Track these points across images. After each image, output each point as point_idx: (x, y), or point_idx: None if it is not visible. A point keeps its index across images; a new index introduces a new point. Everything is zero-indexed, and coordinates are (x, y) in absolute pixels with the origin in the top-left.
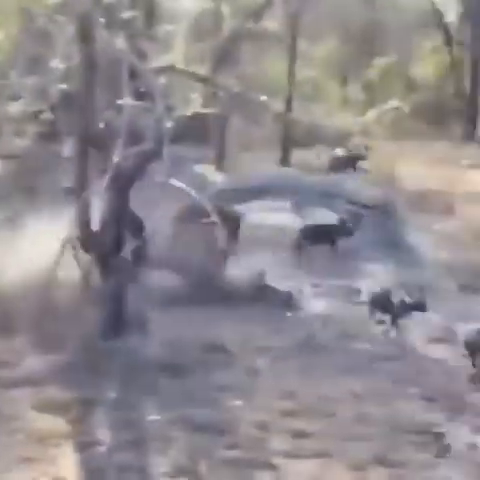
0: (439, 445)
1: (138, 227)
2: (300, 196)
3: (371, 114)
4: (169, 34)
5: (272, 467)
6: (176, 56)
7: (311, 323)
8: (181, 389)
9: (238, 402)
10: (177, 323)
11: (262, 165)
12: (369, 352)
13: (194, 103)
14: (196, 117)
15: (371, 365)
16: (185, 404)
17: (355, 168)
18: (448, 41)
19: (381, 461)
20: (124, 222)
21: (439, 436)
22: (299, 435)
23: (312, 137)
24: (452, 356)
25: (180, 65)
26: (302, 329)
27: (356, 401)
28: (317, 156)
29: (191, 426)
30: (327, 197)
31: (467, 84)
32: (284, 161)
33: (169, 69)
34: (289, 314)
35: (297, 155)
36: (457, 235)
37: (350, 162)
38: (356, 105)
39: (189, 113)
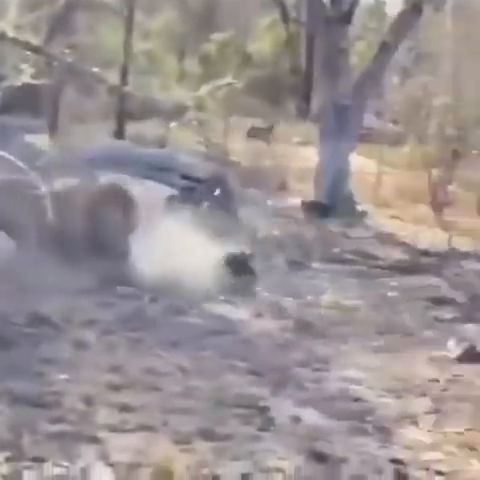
0: (263, 418)
1: None
2: (134, 168)
3: (204, 89)
4: (0, 1)
5: (97, 441)
6: (7, 24)
7: (141, 296)
8: (5, 362)
9: (64, 375)
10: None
11: (96, 137)
12: (198, 326)
13: (25, 73)
14: (28, 87)
15: (199, 339)
16: (9, 377)
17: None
18: (285, 18)
19: (206, 434)
20: None
21: (263, 410)
22: (125, 409)
23: (147, 110)
24: (278, 331)
25: (11, 33)
26: (132, 303)
27: (183, 375)
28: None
29: (15, 399)
30: (161, 170)
31: (303, 61)
32: (119, 133)
33: None
34: (119, 287)
35: (132, 128)
36: (289, 211)
37: (267, 132)
38: (193, 79)
39: (19, 83)
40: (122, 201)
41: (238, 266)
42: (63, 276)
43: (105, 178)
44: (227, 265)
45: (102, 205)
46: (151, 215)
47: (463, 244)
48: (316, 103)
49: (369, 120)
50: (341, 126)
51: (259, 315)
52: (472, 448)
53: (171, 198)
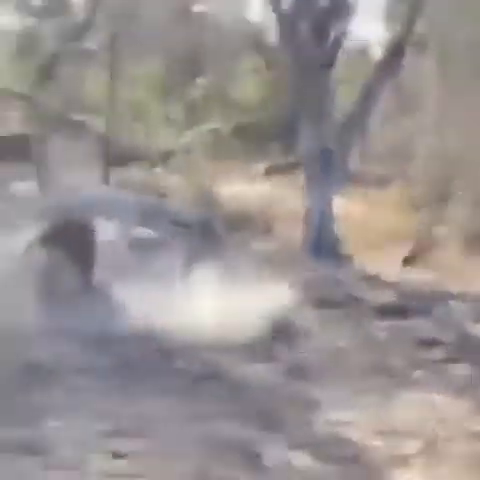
0: (254, 463)
1: None
2: (121, 215)
3: (189, 134)
4: None
5: None
6: None
7: (132, 341)
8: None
9: (57, 423)
10: None
11: (83, 183)
12: (190, 372)
13: (12, 122)
14: (15, 136)
15: (191, 385)
16: (2, 425)
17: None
18: (268, 64)
19: (196, 479)
20: None
21: (254, 454)
22: (117, 455)
23: (133, 156)
24: (271, 375)
25: None
26: (124, 347)
27: (175, 421)
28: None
29: (9, 448)
30: (148, 217)
31: (287, 106)
32: (105, 179)
33: None
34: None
35: (118, 173)
36: (275, 255)
37: (287, 168)
38: (178, 124)
39: (6, 133)
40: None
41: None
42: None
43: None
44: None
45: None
46: (138, 260)
47: (451, 284)
48: (301, 147)
49: (354, 163)
50: (326, 170)
51: (249, 359)
52: None
53: (159, 243)
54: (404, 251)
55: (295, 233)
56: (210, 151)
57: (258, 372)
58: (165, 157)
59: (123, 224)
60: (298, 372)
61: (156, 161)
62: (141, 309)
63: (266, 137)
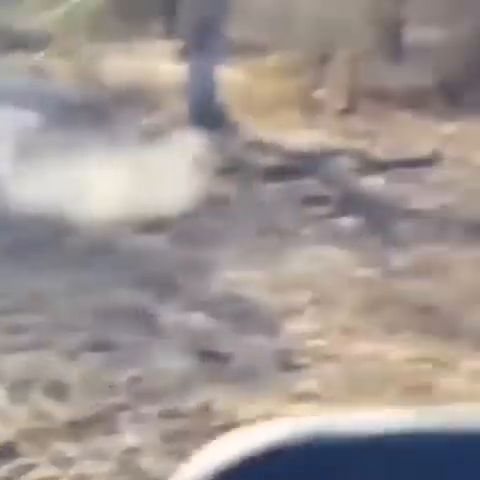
0: (151, 325)
1: None
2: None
3: (62, 9)
4: None
5: None
6: None
7: (25, 223)
8: None
9: None
10: None
11: None
12: (84, 245)
13: None
14: None
15: (86, 258)
16: None
17: None
18: None
19: (95, 346)
20: None
21: (150, 317)
22: (14, 331)
23: (11, 42)
24: (162, 243)
25: None
26: (13, 226)
27: (69, 294)
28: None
29: None
30: (32, 99)
31: None
32: None
33: None
34: None
35: None
36: (162, 128)
37: None
38: (53, 4)
39: None
40: None
41: None
42: None
43: None
44: None
45: None
46: (26, 145)
47: (336, 144)
48: (182, 19)
49: (234, 32)
50: (206, 40)
51: (141, 229)
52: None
53: (47, 126)
54: (288, 116)
55: (185, 106)
56: (89, 31)
57: (149, 242)
58: (45, 40)
59: (5, 108)
60: (190, 238)
61: (37, 45)
62: (34, 192)
63: (146, 12)
